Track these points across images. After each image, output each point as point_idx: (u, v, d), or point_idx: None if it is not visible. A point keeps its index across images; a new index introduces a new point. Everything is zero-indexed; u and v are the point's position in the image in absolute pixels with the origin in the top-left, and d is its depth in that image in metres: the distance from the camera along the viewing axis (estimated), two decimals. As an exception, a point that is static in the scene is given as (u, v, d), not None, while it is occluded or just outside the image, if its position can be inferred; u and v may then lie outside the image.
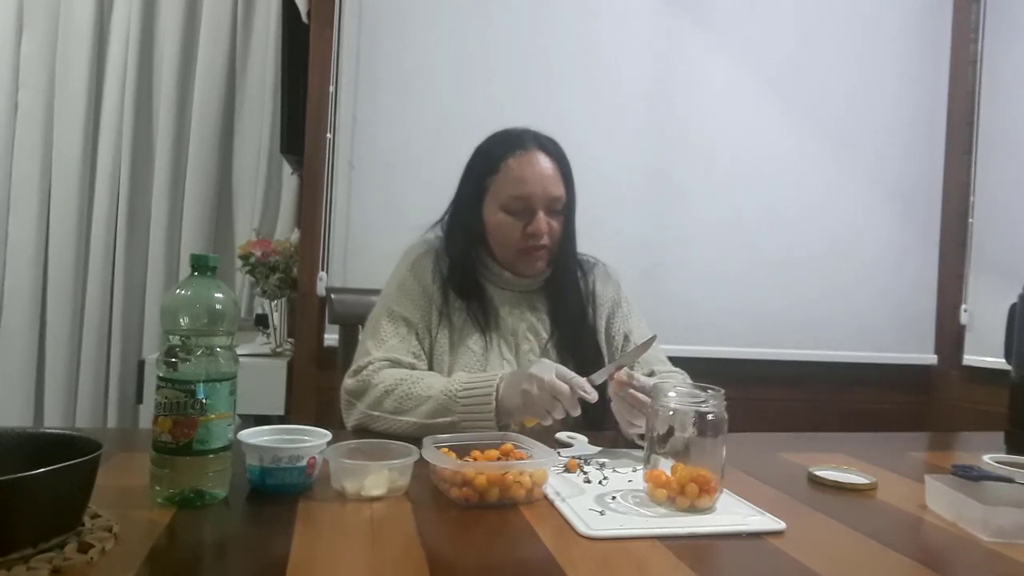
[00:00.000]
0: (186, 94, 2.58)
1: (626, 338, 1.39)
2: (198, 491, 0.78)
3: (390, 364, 1.22)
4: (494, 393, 1.10)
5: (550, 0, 2.32)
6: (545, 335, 1.33)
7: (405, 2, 2.23)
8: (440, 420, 1.11)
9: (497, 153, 1.29)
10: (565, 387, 1.03)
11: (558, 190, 1.28)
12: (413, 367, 1.24)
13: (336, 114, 2.19)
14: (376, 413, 1.16)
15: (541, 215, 1.26)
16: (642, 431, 1.10)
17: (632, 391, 1.06)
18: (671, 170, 2.38)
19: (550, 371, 1.05)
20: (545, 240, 1.27)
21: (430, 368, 1.28)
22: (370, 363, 1.21)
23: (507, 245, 1.29)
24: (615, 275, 1.45)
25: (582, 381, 1.04)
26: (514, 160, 1.27)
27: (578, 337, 1.33)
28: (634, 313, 1.43)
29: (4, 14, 2.48)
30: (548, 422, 1.07)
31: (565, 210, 1.31)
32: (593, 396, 1.04)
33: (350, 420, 1.20)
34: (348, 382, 1.22)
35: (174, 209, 2.58)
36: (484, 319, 1.30)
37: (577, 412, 1.05)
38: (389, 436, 1.05)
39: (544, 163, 1.28)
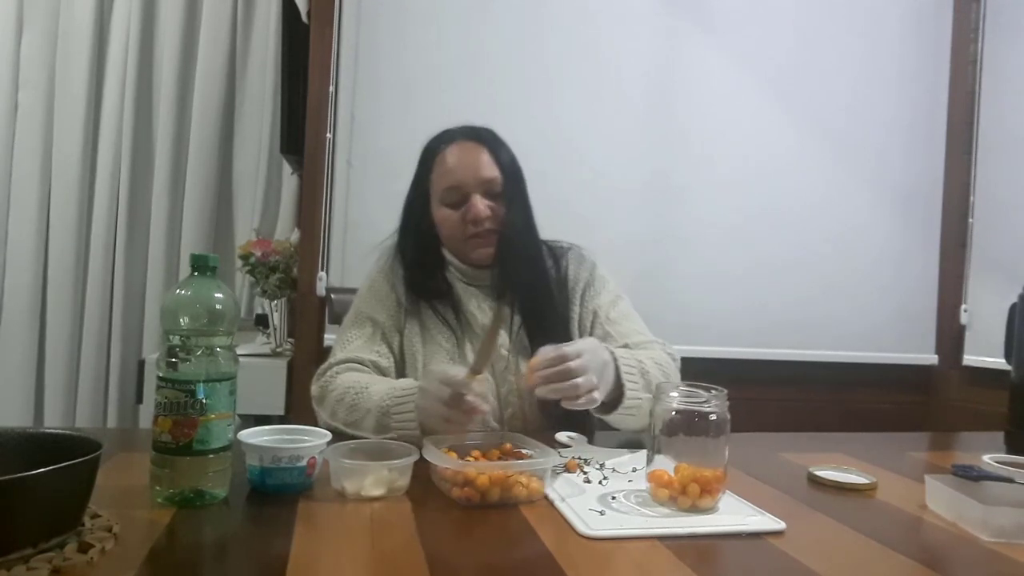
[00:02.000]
0: (186, 94, 2.58)
1: (595, 315, 1.34)
2: (198, 491, 0.78)
3: (350, 366, 1.22)
4: (415, 411, 1.05)
5: (550, 0, 2.32)
6: (514, 328, 1.30)
7: (405, 2, 2.23)
8: (383, 437, 1.06)
9: (430, 151, 1.31)
10: (447, 390, 0.97)
11: (491, 172, 1.26)
12: (376, 365, 1.23)
13: (336, 114, 2.19)
14: (335, 423, 1.15)
15: (477, 198, 1.25)
16: (582, 402, 1.03)
17: (544, 373, 1.01)
18: (671, 170, 2.38)
19: (434, 378, 1.00)
20: (488, 224, 1.25)
21: (403, 367, 1.28)
22: (330, 367, 1.22)
23: (453, 236, 1.29)
24: (591, 256, 1.41)
25: (462, 380, 0.97)
26: (445, 153, 1.28)
27: (547, 324, 1.29)
28: (607, 290, 1.37)
29: (4, 14, 2.48)
30: (474, 429, 1.02)
31: (509, 193, 1.28)
32: (478, 391, 0.98)
33: (319, 424, 1.19)
34: (312, 387, 1.22)
35: (174, 209, 2.58)
36: (454, 316, 1.29)
37: (485, 410, 0.99)
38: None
39: (473, 149, 1.27)
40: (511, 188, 1.29)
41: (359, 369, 1.22)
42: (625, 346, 1.28)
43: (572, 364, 1.01)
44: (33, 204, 2.50)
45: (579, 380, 1.01)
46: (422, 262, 1.31)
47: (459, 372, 1.00)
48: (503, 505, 0.84)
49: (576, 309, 1.35)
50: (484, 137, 1.30)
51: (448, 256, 1.33)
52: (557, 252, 1.38)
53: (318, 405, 1.20)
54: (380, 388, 1.12)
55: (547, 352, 1.03)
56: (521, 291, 1.30)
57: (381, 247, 1.39)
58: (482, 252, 1.28)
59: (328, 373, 1.21)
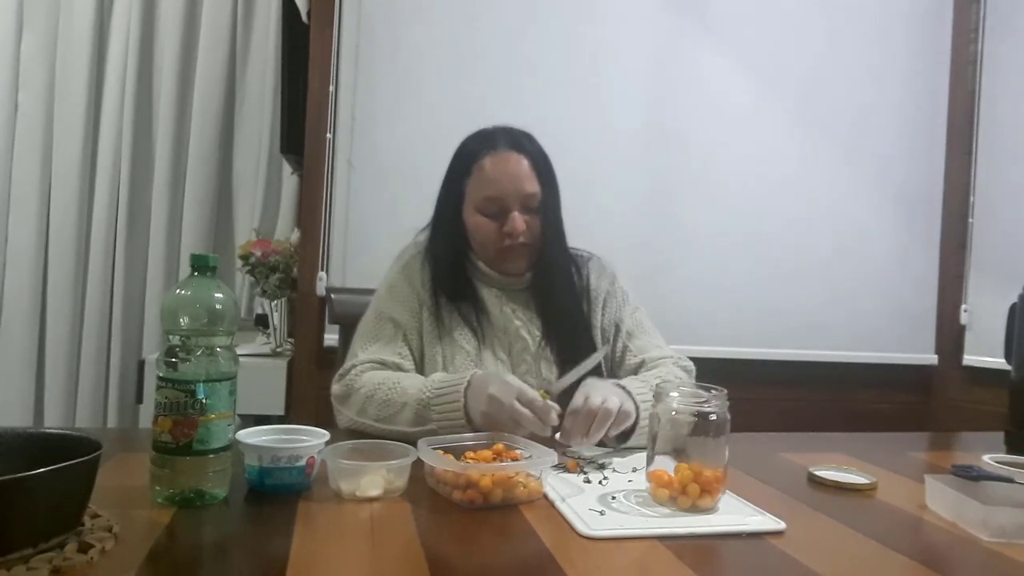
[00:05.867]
0: (186, 94, 2.58)
1: (616, 328, 1.36)
2: (198, 491, 0.78)
3: (374, 366, 1.22)
4: (462, 400, 1.07)
5: (549, 2, 2.31)
6: (539, 333, 1.32)
7: (405, 2, 2.23)
8: (421, 429, 1.09)
9: (470, 155, 1.28)
10: (527, 412, 1.00)
11: (532, 187, 1.25)
12: (398, 367, 1.23)
13: (336, 114, 2.19)
14: (363, 420, 1.15)
15: (516, 214, 1.24)
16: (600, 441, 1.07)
17: (581, 433, 1.04)
18: (672, 171, 2.38)
19: (511, 393, 1.02)
20: (523, 239, 1.26)
21: (422, 368, 1.27)
22: (354, 366, 1.21)
23: (486, 246, 1.28)
24: (611, 267, 1.43)
25: (543, 404, 1.02)
26: (486, 161, 1.25)
27: (572, 333, 1.31)
28: (628, 303, 1.40)
29: (4, 14, 2.48)
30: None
31: (544, 206, 1.28)
32: (554, 421, 1.02)
33: (340, 423, 1.20)
34: (334, 387, 1.22)
35: (174, 209, 2.58)
36: (476, 320, 1.29)
37: (547, 432, 1.03)
38: (382, 439, 1.04)
39: (516, 161, 1.25)
40: (548, 200, 1.29)
41: (383, 367, 1.22)
42: (642, 362, 1.31)
43: (599, 415, 1.04)
44: (33, 204, 2.50)
45: (607, 426, 1.05)
46: (451, 264, 1.31)
47: (534, 394, 1.03)
48: (503, 505, 0.84)
49: (598, 318, 1.37)
50: (526, 148, 1.27)
51: (475, 260, 1.33)
52: (578, 261, 1.39)
53: (341, 404, 1.19)
54: (414, 382, 1.14)
55: (579, 407, 1.04)
56: (549, 302, 1.32)
57: (402, 249, 1.38)
58: (514, 264, 1.30)
59: (352, 372, 1.20)
